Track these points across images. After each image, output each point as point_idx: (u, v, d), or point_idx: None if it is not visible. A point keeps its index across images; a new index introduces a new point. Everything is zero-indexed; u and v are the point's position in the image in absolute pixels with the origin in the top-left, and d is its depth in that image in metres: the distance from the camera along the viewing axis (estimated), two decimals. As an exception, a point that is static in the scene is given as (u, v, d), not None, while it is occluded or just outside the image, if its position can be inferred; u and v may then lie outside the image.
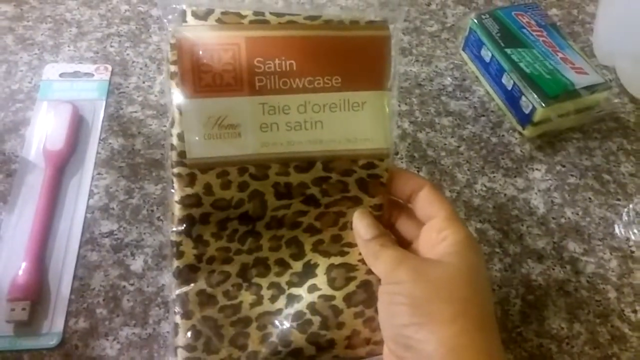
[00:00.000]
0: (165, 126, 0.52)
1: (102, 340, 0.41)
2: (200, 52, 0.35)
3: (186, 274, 0.37)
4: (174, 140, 0.36)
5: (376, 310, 0.38)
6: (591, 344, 0.44)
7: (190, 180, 0.36)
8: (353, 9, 0.63)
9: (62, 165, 0.49)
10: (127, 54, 0.57)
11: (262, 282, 0.38)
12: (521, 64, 0.53)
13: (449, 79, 0.59)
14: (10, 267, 0.43)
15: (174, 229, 0.37)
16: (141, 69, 0.56)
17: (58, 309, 0.42)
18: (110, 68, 0.56)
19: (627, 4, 0.57)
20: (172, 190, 0.36)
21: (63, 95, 0.53)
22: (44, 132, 0.50)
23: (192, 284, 0.37)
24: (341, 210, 0.38)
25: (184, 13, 0.36)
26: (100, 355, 0.40)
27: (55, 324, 0.41)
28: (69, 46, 0.57)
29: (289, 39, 0.37)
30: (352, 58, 0.38)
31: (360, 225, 0.38)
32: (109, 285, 0.43)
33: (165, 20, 0.35)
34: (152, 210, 0.47)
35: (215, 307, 0.37)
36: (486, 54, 0.56)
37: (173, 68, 0.36)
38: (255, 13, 0.37)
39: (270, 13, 0.37)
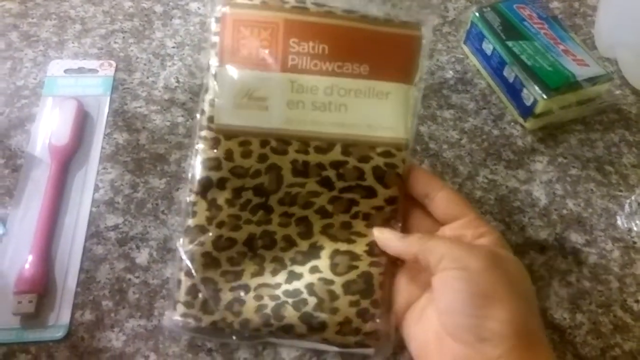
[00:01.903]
0: (169, 121, 0.53)
1: (108, 332, 0.41)
2: (241, 27, 0.38)
3: (195, 234, 0.38)
4: (205, 106, 0.39)
5: (372, 303, 0.38)
6: (594, 334, 0.44)
7: (214, 144, 0.38)
8: (356, 3, 0.64)
9: (68, 160, 0.49)
10: (131, 50, 0.58)
11: (266, 255, 0.39)
12: (522, 57, 0.53)
13: (450, 72, 0.59)
14: (17, 260, 0.43)
15: (192, 189, 0.38)
16: (145, 64, 0.57)
17: (64, 301, 0.42)
18: (114, 64, 0.56)
19: (629, -4, 0.57)
20: (197, 150, 0.38)
21: (68, 91, 0.54)
22: (49, 127, 0.51)
23: (199, 245, 0.38)
24: (355, 198, 0.39)
25: None
26: (106, 347, 0.41)
27: (61, 317, 0.42)
28: (73, 43, 0.58)
29: (325, 25, 0.39)
30: (382, 51, 0.40)
31: (384, 237, 0.39)
32: (115, 278, 0.44)
33: None
34: (157, 204, 0.48)
35: (218, 271, 0.38)
36: (487, 47, 0.56)
37: (215, 39, 0.39)
38: (298, 0, 0.39)
39: (311, 2, 0.39)
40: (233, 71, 0.38)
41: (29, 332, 0.41)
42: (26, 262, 0.43)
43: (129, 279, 0.44)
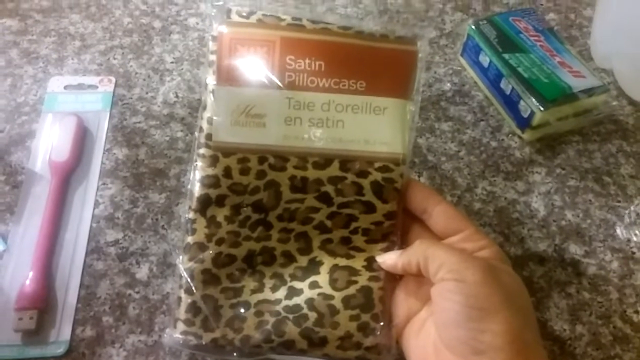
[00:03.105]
0: (168, 136, 0.53)
1: (108, 348, 0.41)
2: (238, 45, 0.38)
3: (195, 251, 0.38)
4: (204, 124, 0.39)
5: (372, 317, 0.38)
6: (593, 345, 0.44)
7: (212, 161, 0.38)
8: (352, 17, 0.64)
9: (68, 176, 0.49)
10: (130, 66, 0.58)
11: (266, 271, 0.39)
12: (519, 69, 0.54)
13: (448, 84, 0.60)
14: (18, 276, 0.43)
15: (191, 206, 0.39)
16: (144, 80, 0.57)
17: (65, 317, 0.43)
18: (113, 80, 0.57)
19: (624, 7, 0.57)
20: (195, 167, 0.39)
21: (68, 107, 0.54)
22: (50, 143, 0.51)
23: (198, 262, 0.38)
24: (354, 214, 0.39)
25: (229, 11, 0.39)
26: (107, 363, 0.41)
27: (62, 333, 0.42)
28: (73, 59, 0.58)
29: (321, 42, 0.39)
30: (378, 66, 0.40)
31: (384, 257, 0.39)
32: (115, 294, 0.44)
33: (211, 14, 0.39)
34: (157, 219, 0.48)
35: (218, 288, 0.38)
36: (484, 59, 0.57)
37: (212, 57, 0.39)
38: (294, 18, 0.40)
39: (307, 20, 0.40)
40: (230, 89, 0.38)
41: (30, 349, 0.41)
42: (27, 278, 0.43)
43: (129, 295, 0.44)
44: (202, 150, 0.38)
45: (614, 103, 0.58)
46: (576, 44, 0.64)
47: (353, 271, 0.39)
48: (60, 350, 0.41)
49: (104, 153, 0.52)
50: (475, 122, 0.57)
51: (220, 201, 0.38)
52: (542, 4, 0.68)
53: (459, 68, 0.61)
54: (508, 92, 0.54)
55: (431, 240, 0.38)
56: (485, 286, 0.33)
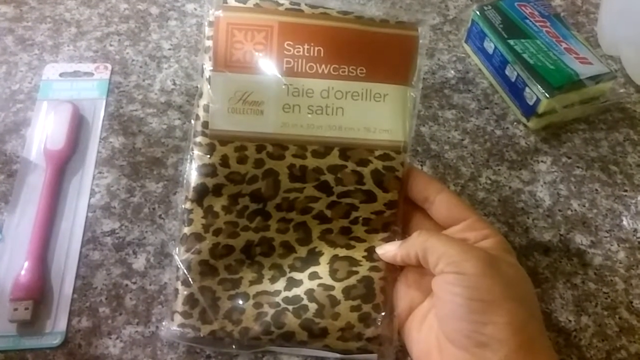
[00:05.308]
0: (165, 124, 0.52)
1: (105, 339, 0.41)
2: (235, 30, 0.38)
3: (192, 242, 0.37)
4: (200, 111, 0.38)
5: (373, 307, 0.38)
6: (599, 337, 0.43)
7: (209, 150, 0.37)
8: (353, 2, 0.63)
9: (63, 165, 0.49)
10: (127, 53, 0.57)
11: (264, 262, 0.38)
12: (524, 55, 0.53)
13: (451, 71, 0.59)
14: (13, 267, 0.43)
15: (188, 196, 0.38)
16: (141, 67, 0.56)
17: (61, 308, 0.42)
18: (110, 67, 0.56)
19: (632, -7, 0.56)
20: (192, 156, 0.38)
21: (63, 95, 0.53)
22: (45, 132, 0.50)
23: (195, 253, 0.37)
24: (354, 203, 0.39)
25: None
26: (103, 354, 0.40)
27: (58, 323, 0.41)
28: (68, 46, 0.57)
29: (320, 27, 0.38)
30: (378, 52, 0.39)
31: (384, 249, 0.38)
32: (112, 284, 0.43)
33: None
34: (154, 209, 0.47)
35: (215, 279, 0.38)
36: (489, 45, 0.56)
37: (208, 43, 0.38)
38: (292, 3, 0.39)
39: (306, 4, 0.39)
40: (227, 75, 0.37)
41: (25, 340, 0.40)
42: (22, 268, 0.42)
43: (126, 285, 0.43)
44: (198, 139, 0.38)
45: (621, 90, 0.57)
46: (583, 30, 0.63)
47: (353, 261, 0.38)
48: (56, 341, 0.40)
49: (100, 141, 0.51)
50: (480, 110, 0.56)
51: (217, 191, 0.38)
52: (547, -10, 0.67)
53: (463, 55, 0.60)
54: (513, 79, 0.53)
55: (430, 232, 0.37)
56: (486, 278, 0.32)
